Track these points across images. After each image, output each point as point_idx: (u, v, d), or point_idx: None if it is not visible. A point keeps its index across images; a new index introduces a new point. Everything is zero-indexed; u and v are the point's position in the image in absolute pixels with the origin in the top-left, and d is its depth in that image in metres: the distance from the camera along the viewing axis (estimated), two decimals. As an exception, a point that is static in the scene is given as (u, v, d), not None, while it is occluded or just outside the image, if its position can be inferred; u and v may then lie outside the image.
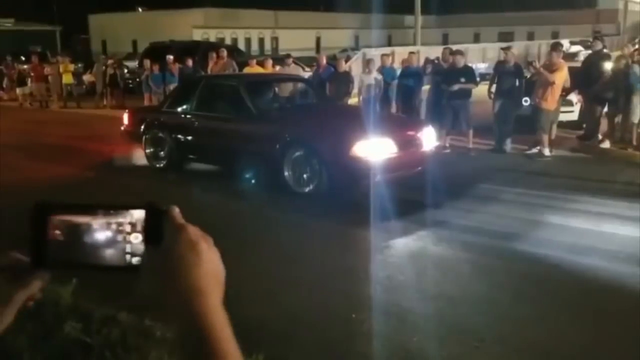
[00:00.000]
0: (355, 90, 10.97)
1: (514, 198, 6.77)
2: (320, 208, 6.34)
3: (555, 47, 9.58)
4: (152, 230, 0.71)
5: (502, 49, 10.09)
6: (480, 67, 19.61)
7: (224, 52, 13.79)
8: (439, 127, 8.98)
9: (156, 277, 0.68)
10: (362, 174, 6.46)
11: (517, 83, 9.39)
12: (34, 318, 3.25)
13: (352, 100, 10.99)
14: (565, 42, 25.78)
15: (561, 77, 8.75)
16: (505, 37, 38.50)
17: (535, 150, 9.04)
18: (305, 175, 6.89)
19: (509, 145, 9.38)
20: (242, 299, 4.21)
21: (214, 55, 13.68)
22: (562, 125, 9.90)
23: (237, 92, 7.81)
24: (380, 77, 10.48)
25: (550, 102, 8.79)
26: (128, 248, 0.73)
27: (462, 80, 9.24)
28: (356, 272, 4.68)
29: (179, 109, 8.44)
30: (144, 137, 8.46)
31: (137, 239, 0.73)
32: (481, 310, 4.01)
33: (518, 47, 21.32)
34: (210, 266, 0.69)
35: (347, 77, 10.75)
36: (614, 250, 4.96)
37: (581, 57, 16.22)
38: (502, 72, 9.54)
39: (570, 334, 3.72)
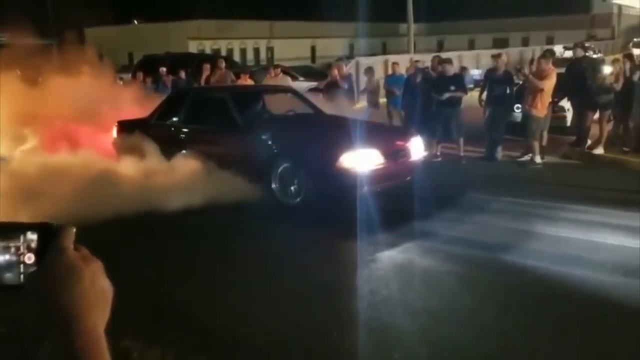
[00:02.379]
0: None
1: (504, 207, 6.70)
2: (307, 220, 6.30)
3: (545, 54, 9.57)
4: (43, 251, 0.73)
5: (493, 56, 10.08)
6: (475, 73, 19.67)
7: (222, 63, 13.76)
8: (429, 135, 8.95)
9: (33, 298, 0.70)
10: (349, 186, 6.42)
11: (508, 90, 9.38)
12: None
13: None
14: (560, 47, 25.88)
15: (550, 84, 8.74)
16: (500, 43, 38.60)
17: (526, 157, 9.01)
18: (292, 187, 6.85)
19: (500, 152, 9.34)
20: (220, 314, 4.16)
21: (207, 66, 13.66)
22: (555, 131, 9.87)
23: (224, 104, 7.79)
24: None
25: (540, 109, 8.76)
26: (22, 268, 0.74)
27: (452, 88, 9.22)
28: (339, 287, 4.61)
29: (167, 122, 8.41)
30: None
31: (30, 259, 0.74)
32: (465, 324, 3.94)
33: (510, 53, 21.37)
34: (89, 289, 0.70)
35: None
36: (602, 260, 4.90)
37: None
38: (492, 80, 9.53)
39: (557, 347, 3.65)
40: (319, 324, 3.97)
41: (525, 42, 39.91)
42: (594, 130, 9.48)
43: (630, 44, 15.02)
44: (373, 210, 6.17)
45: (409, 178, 7.04)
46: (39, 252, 0.74)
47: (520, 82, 10.02)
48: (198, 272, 5.03)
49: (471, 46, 39.19)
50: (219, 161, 7.32)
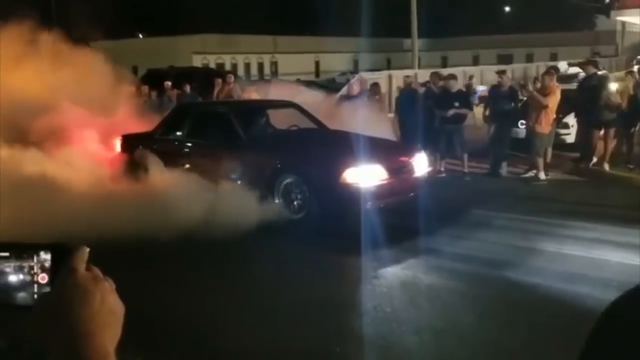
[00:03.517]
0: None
1: (508, 224, 6.68)
2: (310, 236, 6.25)
3: (548, 71, 9.59)
4: (56, 271, 0.74)
5: (497, 72, 10.09)
6: (479, 89, 19.70)
7: (231, 78, 13.82)
8: (432, 151, 8.94)
9: (42, 318, 0.70)
10: (353, 201, 6.41)
11: (512, 106, 9.37)
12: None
13: None
14: (564, 64, 25.91)
15: (554, 101, 8.73)
16: (504, 59, 38.70)
17: (530, 174, 8.98)
18: (295, 202, 6.84)
19: (504, 169, 9.32)
20: (221, 331, 4.13)
21: (219, 81, 13.72)
22: (559, 147, 9.84)
23: (226, 118, 7.81)
24: None
25: (544, 125, 8.75)
26: (35, 288, 0.75)
27: (456, 104, 9.22)
28: (342, 303, 4.59)
29: (171, 136, 8.41)
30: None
31: (44, 279, 0.75)
32: (469, 342, 3.90)
33: (515, 70, 21.40)
34: (99, 309, 0.70)
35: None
36: (607, 278, 4.85)
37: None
38: (497, 96, 9.54)
39: (562, 365, 3.61)
40: (322, 340, 3.94)
41: (529, 59, 40.02)
42: (599, 147, 9.46)
43: (634, 62, 15.03)
44: (376, 226, 6.13)
45: (412, 194, 7.00)
46: (52, 272, 0.74)
47: (525, 99, 10.02)
48: (197, 287, 5.00)
49: (475, 62, 39.33)
50: (222, 176, 7.31)
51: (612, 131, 9.28)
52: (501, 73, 9.93)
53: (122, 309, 0.73)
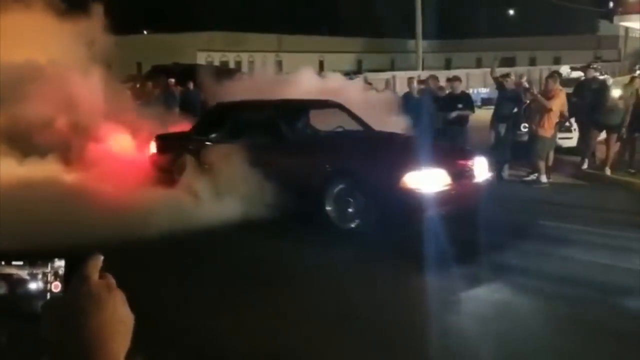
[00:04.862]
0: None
1: (547, 232, 6.33)
2: (367, 248, 5.73)
3: (552, 74, 9.64)
4: (69, 279, 0.73)
5: (502, 76, 10.11)
6: (482, 92, 19.72)
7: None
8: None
9: (55, 326, 0.70)
10: (414, 209, 5.92)
11: (515, 109, 9.42)
12: None
13: None
14: (567, 68, 25.94)
15: (557, 104, 8.78)
16: (508, 62, 38.73)
17: (532, 177, 9.03)
18: (349, 210, 6.32)
19: (507, 172, 9.36)
20: (281, 349, 3.77)
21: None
22: (562, 151, 9.89)
23: (270, 118, 7.43)
24: None
25: (547, 129, 8.79)
26: (49, 297, 0.75)
27: (460, 106, 9.27)
28: (409, 328, 4.11)
29: (210, 136, 7.93)
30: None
31: (57, 287, 0.75)
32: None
33: (518, 73, 21.41)
34: (110, 318, 0.71)
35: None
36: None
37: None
38: (500, 99, 9.59)
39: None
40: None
41: (532, 62, 40.06)
42: (602, 151, 9.51)
43: (637, 67, 15.11)
44: (439, 237, 5.55)
45: (473, 201, 6.48)
46: (66, 280, 0.74)
47: (528, 102, 10.08)
48: (244, 300, 4.60)
49: (478, 64, 39.34)
50: (266, 179, 6.79)
51: (614, 135, 9.33)
52: (505, 76, 9.97)
53: (131, 319, 0.73)
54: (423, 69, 23.42)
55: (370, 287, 4.90)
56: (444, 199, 6.04)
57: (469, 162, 6.68)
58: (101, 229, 5.22)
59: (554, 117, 8.83)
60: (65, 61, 9.40)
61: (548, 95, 8.88)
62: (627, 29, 37.55)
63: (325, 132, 7.91)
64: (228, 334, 4.09)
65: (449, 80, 10.23)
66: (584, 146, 9.77)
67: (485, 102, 12.07)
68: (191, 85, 14.18)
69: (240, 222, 6.33)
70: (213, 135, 7.92)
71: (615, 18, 17.36)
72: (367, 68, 31.74)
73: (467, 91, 11.50)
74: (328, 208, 6.41)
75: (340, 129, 7.84)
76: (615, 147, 9.42)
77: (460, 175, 6.40)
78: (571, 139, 10.59)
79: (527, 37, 44.64)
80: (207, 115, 8.33)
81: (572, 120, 10.24)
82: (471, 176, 6.57)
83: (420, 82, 11.00)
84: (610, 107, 9.29)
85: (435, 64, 36.32)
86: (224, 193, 6.93)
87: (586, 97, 9.71)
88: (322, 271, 5.30)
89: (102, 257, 0.74)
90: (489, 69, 11.36)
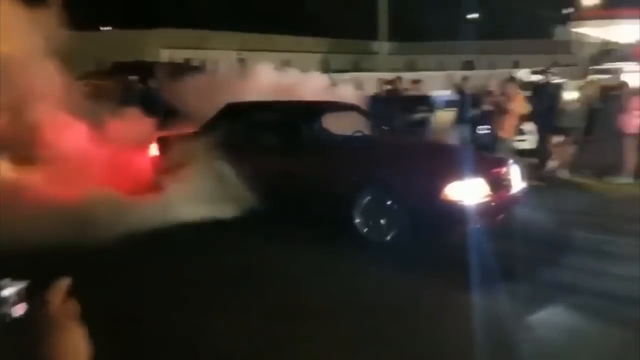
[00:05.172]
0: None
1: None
2: (405, 263, 5.31)
3: (511, 78, 9.94)
4: (32, 302, 0.75)
5: (460, 80, 10.39)
6: (444, 94, 20.05)
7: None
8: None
9: (13, 345, 0.71)
10: (457, 222, 5.61)
11: (475, 112, 9.67)
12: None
13: None
14: (526, 72, 26.58)
15: (517, 107, 9.05)
16: (469, 65, 39.48)
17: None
18: (382, 221, 5.87)
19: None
20: None
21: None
22: (522, 153, 10.17)
23: (287, 121, 7.01)
24: None
25: (506, 131, 9.05)
26: (10, 318, 0.75)
27: (421, 108, 9.45)
28: (462, 355, 3.71)
29: (220, 139, 7.30)
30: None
31: (22, 309, 0.75)
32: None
33: (478, 76, 21.87)
34: (65, 345, 0.70)
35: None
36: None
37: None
38: (461, 102, 9.83)
39: None
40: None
41: (492, 65, 40.91)
42: (559, 153, 9.83)
43: (590, 71, 15.71)
44: (484, 251, 5.22)
45: (509, 213, 6.20)
46: (29, 302, 0.75)
47: (487, 105, 10.34)
48: (271, 325, 4.17)
49: (441, 67, 40.00)
50: (285, 187, 6.44)
51: (569, 138, 9.67)
52: (464, 79, 10.22)
53: (86, 354, 0.72)
54: (387, 71, 23.66)
55: (413, 309, 4.41)
56: (486, 210, 5.72)
57: (505, 170, 6.32)
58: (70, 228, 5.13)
59: (514, 120, 9.09)
60: (16, 53, 9.01)
61: (508, 98, 9.14)
62: (580, 34, 38.66)
63: (346, 136, 7.35)
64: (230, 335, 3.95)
65: (413, 82, 10.43)
66: (542, 148, 10.08)
67: (449, 104, 12.34)
68: (153, 84, 13.99)
69: (260, 234, 5.95)
70: (223, 138, 7.35)
71: (570, 24, 17.97)
72: (333, 69, 31.85)
73: (429, 93, 11.71)
74: (357, 220, 5.96)
75: (359, 133, 7.37)
76: (571, 149, 9.76)
77: (498, 184, 6.04)
78: (528, 141, 10.91)
79: (488, 40, 45.58)
80: (216, 117, 7.75)
81: (530, 123, 10.56)
82: (508, 185, 6.23)
83: (386, 83, 11.16)
84: (565, 111, 9.63)
85: (399, 66, 36.69)
86: (235, 200, 6.52)
87: (543, 100, 10.04)
88: (353, 288, 4.84)
89: (66, 283, 0.74)
90: (451, 72, 11.62)
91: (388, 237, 5.84)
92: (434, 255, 5.62)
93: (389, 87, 10.69)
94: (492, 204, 5.83)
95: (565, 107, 9.80)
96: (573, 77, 15.08)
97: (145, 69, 16.82)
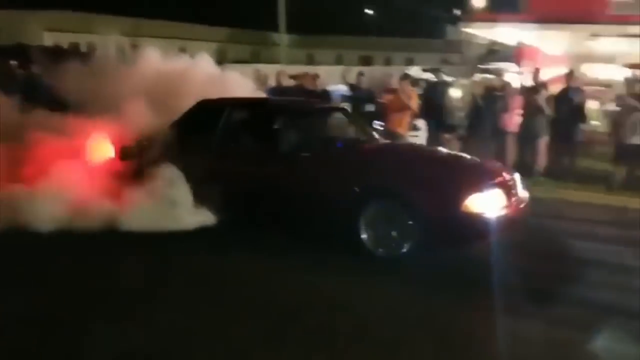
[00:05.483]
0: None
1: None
2: (424, 281, 4.84)
3: (404, 75, 10.33)
4: None
5: (357, 75, 10.65)
6: (341, 89, 20.41)
7: None
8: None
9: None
10: (478, 235, 5.20)
11: (369, 108, 9.93)
12: None
13: None
14: (418, 69, 27.74)
15: (410, 103, 9.42)
16: (366, 60, 40.59)
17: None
18: (393, 233, 5.35)
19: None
20: None
21: None
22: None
23: (274, 122, 6.32)
24: None
25: (402, 127, 9.40)
26: None
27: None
28: None
29: (194, 141, 6.59)
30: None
31: None
32: None
33: (374, 72, 22.55)
34: None
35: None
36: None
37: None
38: (355, 98, 10.05)
39: None
40: None
41: (387, 62, 42.32)
42: (449, 149, 10.34)
43: (476, 71, 16.70)
44: (510, 268, 4.90)
45: (518, 225, 5.75)
46: None
47: (382, 100, 10.66)
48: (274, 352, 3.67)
49: (339, 62, 40.71)
50: (275, 199, 5.86)
51: (455, 135, 10.23)
52: (360, 75, 10.48)
53: None
54: (286, 64, 23.70)
55: (438, 342, 3.84)
56: (505, 223, 5.30)
57: (513, 179, 5.92)
58: None
59: (407, 116, 9.46)
60: None
61: (402, 94, 9.48)
62: (470, 34, 40.93)
63: (344, 140, 6.76)
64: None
65: (312, 77, 10.50)
66: (433, 144, 10.56)
67: (345, 99, 12.56)
68: (35, 69, 13.05)
69: (256, 251, 5.41)
70: (197, 141, 6.60)
71: (460, 25, 19.09)
72: (231, 59, 31.38)
73: (326, 88, 11.86)
74: (364, 236, 5.41)
75: (350, 138, 6.87)
76: (457, 145, 10.31)
77: (511, 194, 5.62)
78: (420, 137, 11.39)
79: (384, 37, 47.07)
80: (188, 116, 6.85)
81: (421, 119, 11.03)
82: (518, 195, 5.80)
83: (292, 77, 11.19)
84: (453, 108, 10.18)
85: (298, 59, 36.88)
86: (210, 210, 5.97)
87: (435, 98, 10.54)
88: (362, 310, 4.31)
89: None
90: (348, 67, 11.85)
91: (400, 252, 5.30)
92: (451, 272, 5.13)
93: (293, 81, 10.72)
94: (510, 215, 5.44)
95: (452, 105, 10.35)
96: (462, 76, 15.93)
97: (27, 53, 15.67)
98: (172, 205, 6.21)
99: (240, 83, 8.80)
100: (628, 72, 13.13)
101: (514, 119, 10.02)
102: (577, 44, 15.42)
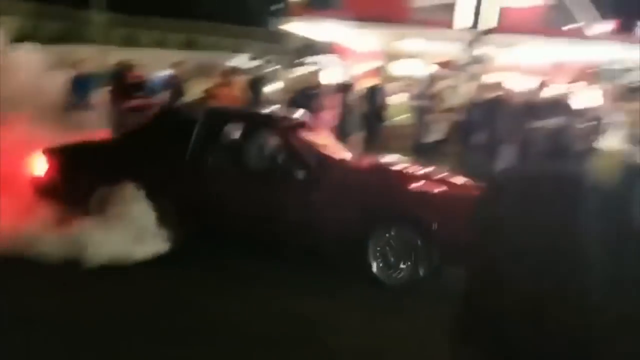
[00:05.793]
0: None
1: None
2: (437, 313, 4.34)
3: (233, 68, 10.54)
4: None
5: (174, 64, 10.54)
6: (162, 76, 19.78)
7: None
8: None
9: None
10: None
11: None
12: None
13: None
14: (245, 57, 27.92)
15: (238, 93, 9.70)
16: (191, 45, 39.60)
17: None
18: (407, 264, 5.09)
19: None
20: None
21: None
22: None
23: (252, 136, 5.78)
24: None
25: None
26: None
27: (137, 94, 9.26)
28: None
29: (160, 156, 5.85)
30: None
31: None
32: None
33: (200, 58, 22.21)
34: None
35: None
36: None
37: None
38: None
39: None
40: None
41: (214, 47, 41.77)
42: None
43: (295, 64, 17.38)
44: None
45: None
46: None
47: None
48: None
49: (162, 45, 39.25)
50: (265, 221, 5.40)
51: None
52: (177, 64, 10.41)
53: None
54: (102, 45, 22.27)
55: None
56: None
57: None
58: None
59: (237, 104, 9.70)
60: None
61: (228, 83, 9.70)
62: (291, 26, 42.07)
63: (346, 156, 6.20)
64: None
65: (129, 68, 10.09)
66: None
67: (167, 86, 12.34)
68: None
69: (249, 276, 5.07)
70: (165, 155, 5.84)
71: (281, 18, 19.55)
72: (40, 37, 28.48)
73: (146, 77, 11.50)
74: (373, 263, 5.18)
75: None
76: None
77: None
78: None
79: (208, 22, 46.33)
80: (151, 125, 5.92)
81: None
82: None
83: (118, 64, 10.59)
84: (266, 100, 10.64)
85: (115, 40, 34.75)
86: (186, 236, 5.42)
87: (254, 88, 10.88)
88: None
89: None
90: (171, 51, 11.63)
91: (418, 276, 5.16)
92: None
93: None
94: None
95: (270, 98, 10.79)
96: (284, 67, 16.49)
97: None
98: (133, 229, 5.49)
99: (30, 67, 7.93)
100: (434, 69, 14.31)
101: (328, 117, 10.64)
102: (387, 43, 16.83)
